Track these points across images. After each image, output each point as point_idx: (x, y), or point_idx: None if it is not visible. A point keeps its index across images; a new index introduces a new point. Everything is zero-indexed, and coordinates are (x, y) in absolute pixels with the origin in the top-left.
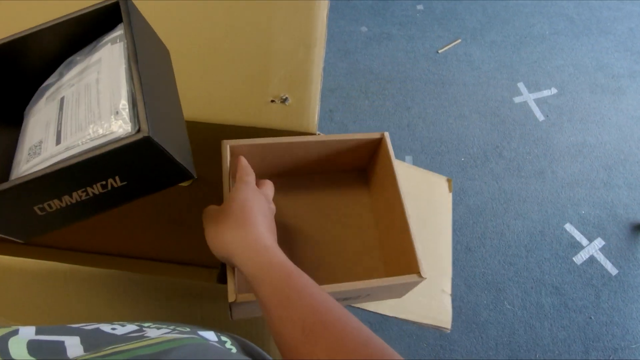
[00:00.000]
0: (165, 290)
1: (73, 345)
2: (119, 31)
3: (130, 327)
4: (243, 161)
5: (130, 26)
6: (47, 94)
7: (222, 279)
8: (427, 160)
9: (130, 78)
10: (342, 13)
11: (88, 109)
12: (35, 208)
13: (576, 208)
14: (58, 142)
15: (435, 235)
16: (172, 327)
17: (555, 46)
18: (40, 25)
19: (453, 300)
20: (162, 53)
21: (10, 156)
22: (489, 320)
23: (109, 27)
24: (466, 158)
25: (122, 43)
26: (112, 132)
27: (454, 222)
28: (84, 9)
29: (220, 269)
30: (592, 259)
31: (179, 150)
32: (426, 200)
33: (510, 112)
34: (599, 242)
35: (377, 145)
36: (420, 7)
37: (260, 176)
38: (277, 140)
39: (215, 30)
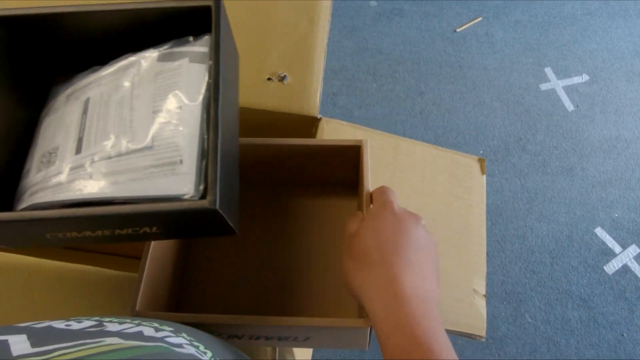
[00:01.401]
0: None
1: (18, 342)
2: (202, 48)
3: (88, 323)
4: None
5: (218, 48)
6: (69, 90)
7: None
8: None
9: (207, 127)
10: None
11: (122, 120)
12: (48, 235)
13: (608, 211)
14: (78, 151)
15: (465, 225)
16: (136, 322)
17: (588, 28)
18: (107, 4)
19: None
20: (236, 68)
21: (23, 139)
22: (507, 336)
23: (188, 31)
24: (485, 151)
25: (204, 66)
26: (167, 187)
27: None
28: (163, 2)
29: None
30: (625, 269)
31: (234, 209)
32: (454, 185)
33: (535, 100)
34: (633, 250)
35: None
36: None
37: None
38: (253, 142)
39: None
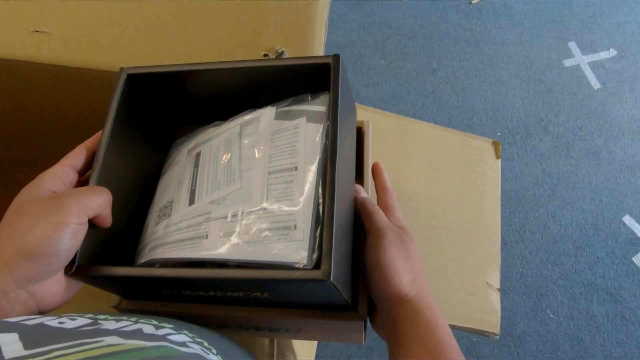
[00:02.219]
0: None
1: (9, 342)
2: (320, 107)
3: (82, 321)
4: None
5: (336, 109)
6: (191, 145)
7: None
8: None
9: (323, 191)
10: None
11: (236, 178)
12: (164, 291)
13: (637, 197)
14: (191, 202)
15: (479, 213)
16: (133, 319)
17: None
18: (225, 63)
19: None
20: (354, 125)
21: (146, 191)
22: (527, 332)
23: (308, 86)
24: (503, 133)
25: (321, 127)
26: (280, 253)
27: None
28: (285, 59)
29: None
30: None
31: (348, 281)
32: (466, 170)
33: (558, 77)
34: None
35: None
36: None
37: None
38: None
39: None
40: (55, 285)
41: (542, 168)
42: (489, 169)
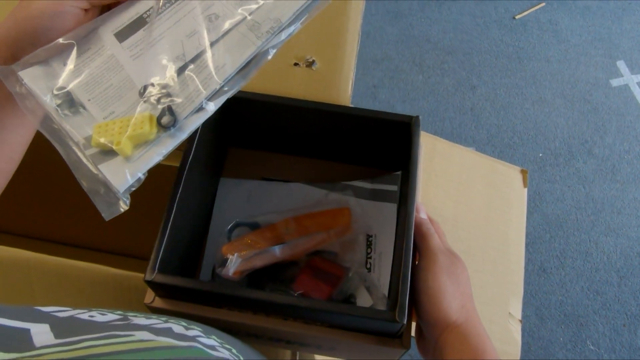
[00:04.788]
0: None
1: (41, 332)
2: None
3: (113, 316)
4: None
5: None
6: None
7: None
8: (494, 154)
9: (399, 266)
10: None
11: None
12: (225, 308)
13: None
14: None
15: (503, 241)
16: (163, 319)
17: None
18: (307, 102)
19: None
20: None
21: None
22: None
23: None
24: (545, 154)
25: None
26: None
27: (526, 234)
28: (354, 109)
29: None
30: None
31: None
32: (493, 196)
33: (605, 98)
34: None
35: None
36: None
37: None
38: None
39: None
40: None
41: (585, 192)
42: (516, 197)
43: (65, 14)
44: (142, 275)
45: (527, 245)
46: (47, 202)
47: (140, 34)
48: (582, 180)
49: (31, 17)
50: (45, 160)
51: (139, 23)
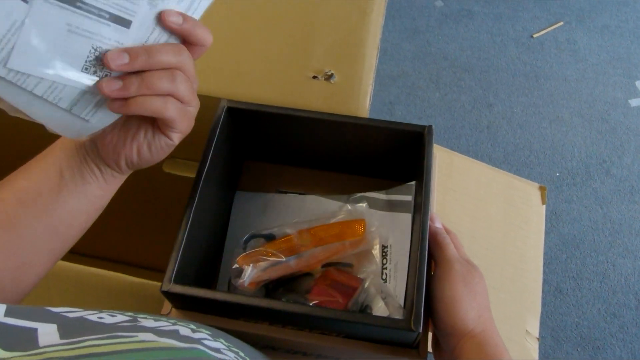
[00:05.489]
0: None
1: (47, 332)
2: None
3: (121, 318)
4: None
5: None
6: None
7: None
8: (511, 172)
9: (414, 274)
10: None
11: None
12: (241, 319)
13: None
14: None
15: (521, 258)
16: (172, 321)
17: None
18: (319, 113)
19: None
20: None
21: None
22: None
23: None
24: (562, 173)
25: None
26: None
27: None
28: (372, 120)
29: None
30: None
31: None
32: (511, 213)
33: (623, 117)
34: None
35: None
36: None
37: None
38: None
39: None
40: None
41: (603, 212)
42: (534, 214)
43: None
44: (159, 284)
45: (543, 264)
46: None
47: None
48: (600, 201)
49: None
50: None
51: None
